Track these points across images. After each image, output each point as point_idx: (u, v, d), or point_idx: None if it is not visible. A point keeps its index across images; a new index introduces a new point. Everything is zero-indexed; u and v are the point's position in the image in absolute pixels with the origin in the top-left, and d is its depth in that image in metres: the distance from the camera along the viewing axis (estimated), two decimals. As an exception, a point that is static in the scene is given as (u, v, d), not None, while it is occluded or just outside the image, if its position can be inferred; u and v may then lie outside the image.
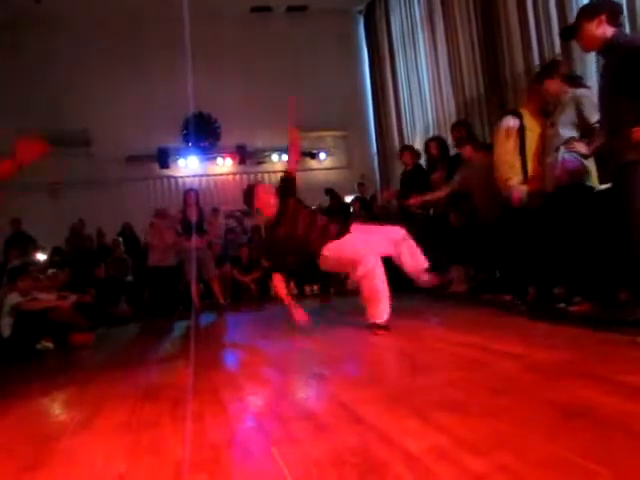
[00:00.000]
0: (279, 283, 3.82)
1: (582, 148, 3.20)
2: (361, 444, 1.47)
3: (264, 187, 3.97)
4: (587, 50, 2.92)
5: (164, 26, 8.87)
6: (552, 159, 3.37)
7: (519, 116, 3.89)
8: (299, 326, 3.68)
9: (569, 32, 2.85)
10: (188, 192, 6.71)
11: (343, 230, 3.70)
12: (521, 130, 3.86)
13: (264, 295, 7.53)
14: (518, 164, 3.84)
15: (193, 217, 6.27)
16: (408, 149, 6.48)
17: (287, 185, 3.93)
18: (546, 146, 3.54)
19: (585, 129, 3.21)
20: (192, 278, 6.33)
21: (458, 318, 3.78)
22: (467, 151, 4.81)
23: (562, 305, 3.51)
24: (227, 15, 10.02)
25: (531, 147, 3.80)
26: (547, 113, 3.69)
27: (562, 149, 3.27)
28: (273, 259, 3.97)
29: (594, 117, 3.09)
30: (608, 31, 2.61)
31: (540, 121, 3.79)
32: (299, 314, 3.73)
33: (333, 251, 3.54)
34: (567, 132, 3.28)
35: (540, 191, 3.62)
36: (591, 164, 3.30)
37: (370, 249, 3.40)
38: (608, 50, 2.64)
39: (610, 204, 2.79)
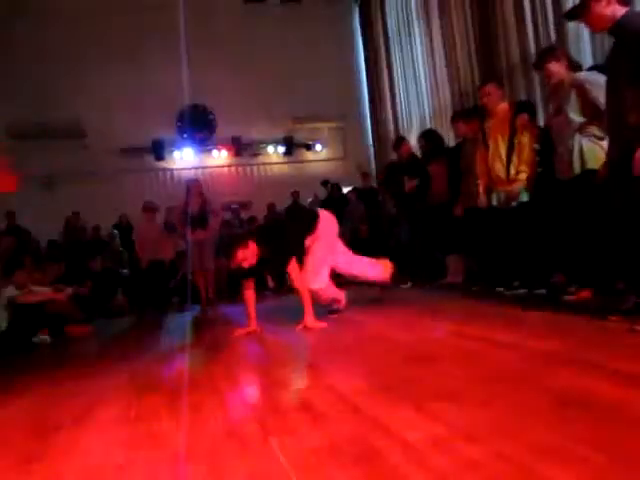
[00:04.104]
0: (249, 294, 3.74)
1: (597, 131, 3.12)
2: (358, 434, 1.48)
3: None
4: (595, 30, 2.82)
5: (159, 17, 8.81)
6: (564, 148, 3.29)
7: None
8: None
9: (574, 13, 2.77)
10: (190, 182, 6.54)
11: None
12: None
13: (260, 288, 7.50)
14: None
15: (195, 208, 6.14)
16: (405, 140, 6.44)
17: None
18: (556, 135, 3.42)
19: (595, 112, 3.08)
20: (197, 270, 6.35)
21: (454, 308, 3.79)
22: (460, 128, 4.73)
23: (559, 294, 3.52)
24: (221, 6, 9.94)
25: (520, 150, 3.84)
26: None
27: (577, 135, 3.20)
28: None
29: (602, 98, 2.91)
30: (619, 10, 2.50)
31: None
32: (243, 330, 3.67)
33: None
34: (577, 118, 3.19)
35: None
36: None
37: None
38: (618, 30, 2.53)
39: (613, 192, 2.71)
